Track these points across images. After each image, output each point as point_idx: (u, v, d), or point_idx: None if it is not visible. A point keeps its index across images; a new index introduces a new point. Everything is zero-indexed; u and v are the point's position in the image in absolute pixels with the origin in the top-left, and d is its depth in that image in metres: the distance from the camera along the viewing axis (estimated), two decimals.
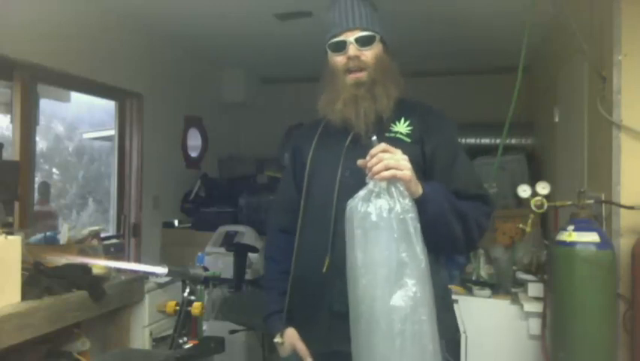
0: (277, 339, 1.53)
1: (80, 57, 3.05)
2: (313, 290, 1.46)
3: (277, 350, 1.57)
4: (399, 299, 1.17)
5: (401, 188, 1.22)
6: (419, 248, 1.20)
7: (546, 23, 3.15)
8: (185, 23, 3.51)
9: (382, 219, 1.19)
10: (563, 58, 2.95)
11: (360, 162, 1.27)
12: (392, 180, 1.22)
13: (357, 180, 1.30)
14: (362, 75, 1.45)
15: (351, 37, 1.45)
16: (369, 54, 1.45)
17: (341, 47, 1.46)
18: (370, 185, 1.23)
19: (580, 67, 2.49)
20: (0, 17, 2.52)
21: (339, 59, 1.47)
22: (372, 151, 1.24)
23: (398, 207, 1.20)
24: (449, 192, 1.37)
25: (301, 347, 1.49)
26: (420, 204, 1.25)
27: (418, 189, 1.27)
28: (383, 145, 1.24)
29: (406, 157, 1.25)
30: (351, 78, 1.45)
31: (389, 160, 1.22)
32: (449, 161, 1.44)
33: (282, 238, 1.60)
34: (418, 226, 1.22)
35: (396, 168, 1.21)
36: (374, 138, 1.27)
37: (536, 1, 2.50)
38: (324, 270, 1.40)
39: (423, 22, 3.34)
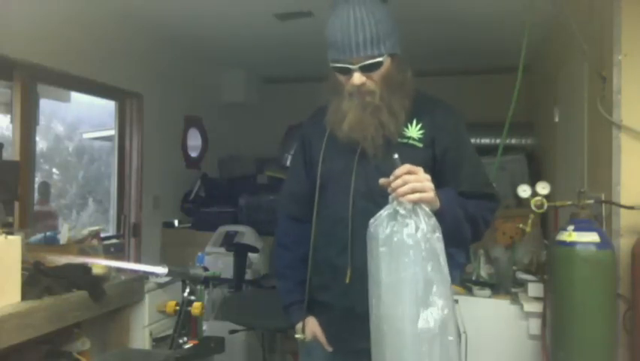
0: (298, 335, 1.55)
1: (80, 57, 3.05)
2: (334, 296, 1.48)
3: (278, 349, 1.57)
4: (427, 319, 1.16)
5: (425, 208, 1.23)
6: (445, 267, 1.21)
7: (546, 23, 3.14)
8: (185, 23, 3.51)
9: (410, 238, 1.19)
10: (562, 58, 2.95)
11: (382, 181, 1.27)
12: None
13: (371, 191, 1.33)
14: (367, 96, 1.40)
15: (356, 64, 1.37)
16: (375, 76, 1.40)
17: (345, 72, 1.41)
18: (394, 204, 1.23)
19: (580, 67, 2.49)
20: (0, 17, 2.52)
21: (343, 80, 1.43)
22: (397, 172, 1.23)
23: (424, 227, 1.20)
24: (459, 196, 1.40)
25: (322, 336, 1.52)
26: (437, 216, 1.26)
27: (437, 205, 1.29)
28: (407, 166, 1.24)
29: (428, 177, 1.26)
30: (355, 98, 1.41)
31: (415, 183, 1.22)
32: (458, 162, 1.46)
33: (294, 225, 1.61)
34: (443, 245, 1.23)
35: (421, 191, 1.22)
36: (396, 156, 1.26)
37: (536, 1, 2.50)
38: (347, 280, 1.42)
39: (423, 22, 3.34)
